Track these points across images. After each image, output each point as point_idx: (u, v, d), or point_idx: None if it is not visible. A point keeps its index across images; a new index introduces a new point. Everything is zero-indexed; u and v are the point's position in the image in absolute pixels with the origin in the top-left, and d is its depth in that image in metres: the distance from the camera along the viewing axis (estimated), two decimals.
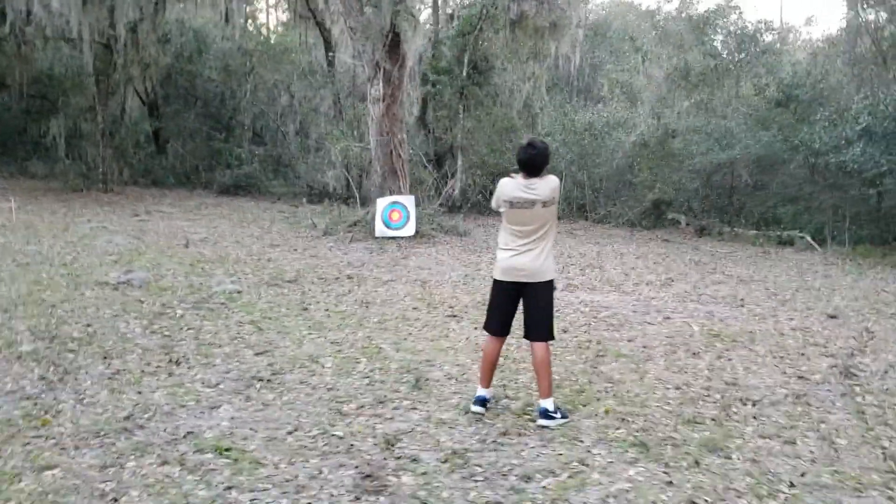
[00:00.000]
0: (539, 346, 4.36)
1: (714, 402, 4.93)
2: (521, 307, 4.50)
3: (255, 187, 19.14)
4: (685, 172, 15.94)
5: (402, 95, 12.77)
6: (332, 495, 3.40)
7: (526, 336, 4.47)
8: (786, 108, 15.51)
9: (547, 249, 4.34)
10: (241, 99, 20.72)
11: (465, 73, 18.00)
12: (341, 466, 3.71)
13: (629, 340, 6.53)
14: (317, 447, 3.95)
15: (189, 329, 6.35)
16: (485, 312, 4.65)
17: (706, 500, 3.45)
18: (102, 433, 4.02)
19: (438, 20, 19.30)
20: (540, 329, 4.37)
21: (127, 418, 4.25)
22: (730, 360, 6.03)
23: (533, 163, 4.24)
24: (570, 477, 3.66)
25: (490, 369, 4.54)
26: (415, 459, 3.82)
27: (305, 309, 7.35)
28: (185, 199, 17.58)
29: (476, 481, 3.57)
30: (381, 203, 12.43)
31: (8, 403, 4.37)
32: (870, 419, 4.68)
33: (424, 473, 3.64)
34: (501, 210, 4.36)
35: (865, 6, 16.81)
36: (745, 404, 4.92)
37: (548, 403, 4.34)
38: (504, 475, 3.65)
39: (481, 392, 4.54)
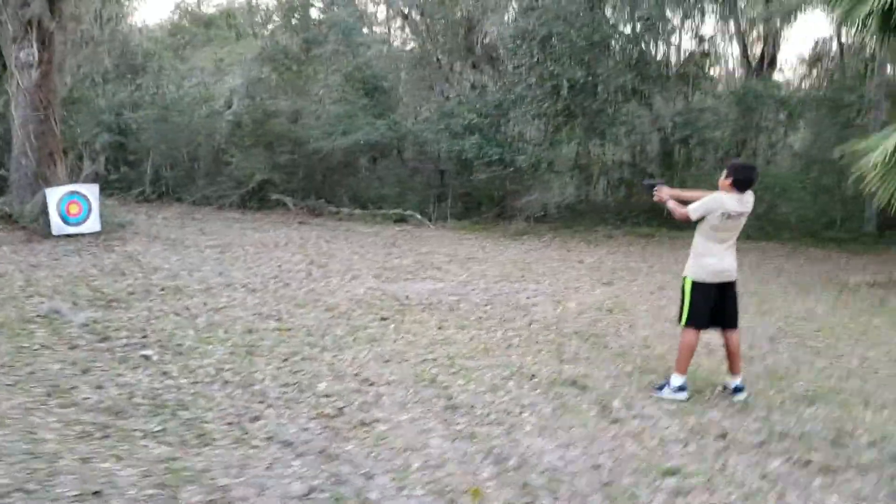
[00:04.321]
0: (735, 332, 5.27)
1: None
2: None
3: None
4: (286, 155, 16.40)
5: (59, 62, 10.58)
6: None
7: (721, 325, 5.28)
8: (371, 98, 17.14)
9: (735, 251, 5.25)
10: None
11: None
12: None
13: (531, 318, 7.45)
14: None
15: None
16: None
17: None
18: None
19: None
20: (736, 319, 5.28)
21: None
22: (620, 323, 7.44)
23: (753, 181, 5.09)
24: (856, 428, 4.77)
25: (691, 359, 5.24)
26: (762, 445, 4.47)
27: (287, 330, 6.45)
28: None
29: (843, 447, 4.44)
30: (55, 194, 10.29)
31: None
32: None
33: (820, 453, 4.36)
34: (712, 220, 5.07)
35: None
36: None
37: (740, 380, 5.28)
38: (839, 440, 4.57)
39: (683, 380, 5.21)
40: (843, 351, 6.86)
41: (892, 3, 8.68)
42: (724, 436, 4.49)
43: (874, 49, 13.16)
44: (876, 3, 8.80)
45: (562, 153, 16.12)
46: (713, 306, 5.21)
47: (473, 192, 16.78)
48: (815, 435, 4.59)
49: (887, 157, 8.59)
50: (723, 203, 5.05)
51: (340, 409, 4.60)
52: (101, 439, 3.85)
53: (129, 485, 3.36)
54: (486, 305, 7.99)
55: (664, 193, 5.40)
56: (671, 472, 3.90)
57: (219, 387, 4.87)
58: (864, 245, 15.12)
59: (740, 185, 5.07)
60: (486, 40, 17.40)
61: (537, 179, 15.10)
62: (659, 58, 15.10)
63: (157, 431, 4.00)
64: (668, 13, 15.81)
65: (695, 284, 5.16)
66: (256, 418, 4.36)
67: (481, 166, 15.27)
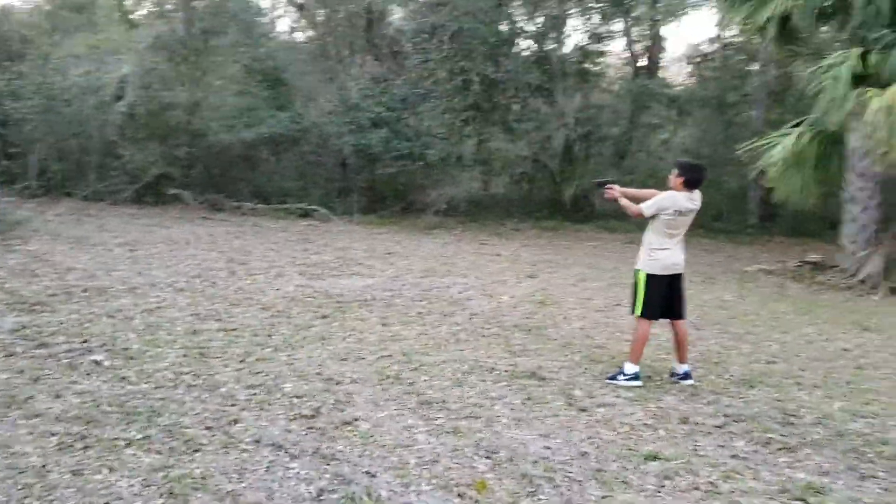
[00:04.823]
0: (683, 322, 5.57)
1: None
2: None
3: None
4: (184, 148, 15.90)
5: None
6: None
7: (671, 316, 5.56)
8: (273, 90, 16.84)
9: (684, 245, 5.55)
10: None
11: None
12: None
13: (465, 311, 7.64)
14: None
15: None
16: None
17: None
18: None
19: None
20: (684, 309, 5.58)
21: None
22: (555, 315, 7.73)
23: (703, 179, 5.40)
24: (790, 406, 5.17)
25: (643, 349, 5.50)
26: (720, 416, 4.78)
27: (233, 331, 6.26)
28: None
29: (793, 426, 4.80)
30: None
31: None
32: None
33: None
34: (665, 217, 5.35)
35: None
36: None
37: (687, 366, 5.60)
38: (787, 419, 4.94)
39: (636, 368, 5.46)
40: (762, 336, 7.34)
41: (790, 11, 9.32)
42: (686, 420, 4.75)
43: (762, 50, 14.01)
44: (776, 9, 9.42)
45: (467, 148, 16.33)
46: (663, 297, 5.47)
47: (378, 186, 16.75)
48: (765, 416, 4.91)
49: (786, 155, 9.20)
50: (676, 201, 5.31)
51: (317, 409, 4.57)
52: (84, 450, 3.69)
53: (134, 495, 3.25)
54: (421, 301, 8.06)
55: (616, 192, 5.61)
56: (652, 457, 4.09)
57: (184, 391, 4.74)
58: (750, 235, 16.13)
59: (691, 183, 5.35)
60: (388, 32, 17.37)
61: (446, 174, 15.24)
62: (560, 55, 15.51)
63: (140, 439, 3.87)
64: (566, 11, 16.30)
65: (648, 277, 5.41)
66: (235, 421, 4.28)
67: (388, 160, 15.25)
